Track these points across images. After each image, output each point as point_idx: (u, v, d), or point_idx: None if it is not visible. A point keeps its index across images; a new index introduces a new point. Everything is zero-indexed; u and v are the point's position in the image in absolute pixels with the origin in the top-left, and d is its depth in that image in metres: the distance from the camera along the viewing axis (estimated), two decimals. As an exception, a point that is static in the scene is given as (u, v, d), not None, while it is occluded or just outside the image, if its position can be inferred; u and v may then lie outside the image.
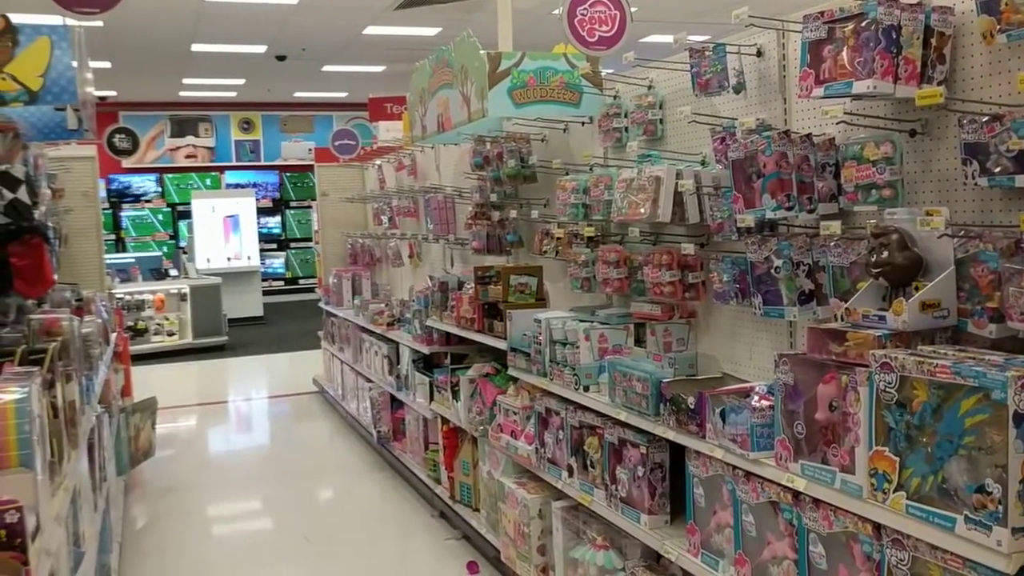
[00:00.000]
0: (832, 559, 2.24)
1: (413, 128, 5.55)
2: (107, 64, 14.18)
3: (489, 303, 4.56)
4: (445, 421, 5.18)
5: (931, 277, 2.21)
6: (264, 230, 18.89)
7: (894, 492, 2.02)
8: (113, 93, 17.31)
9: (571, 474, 3.57)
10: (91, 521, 3.36)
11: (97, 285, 6.26)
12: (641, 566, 3.15)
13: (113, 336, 5.79)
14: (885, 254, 2.25)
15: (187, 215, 17.49)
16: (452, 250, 6.09)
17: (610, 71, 4.12)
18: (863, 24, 2.27)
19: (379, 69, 15.68)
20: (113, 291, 7.80)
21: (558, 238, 4.14)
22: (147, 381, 8.77)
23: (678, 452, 2.96)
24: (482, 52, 4.10)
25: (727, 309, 3.20)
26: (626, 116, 3.74)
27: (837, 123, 2.49)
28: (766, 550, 2.48)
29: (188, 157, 19.58)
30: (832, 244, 2.53)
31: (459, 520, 4.99)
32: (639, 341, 3.52)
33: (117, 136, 13.84)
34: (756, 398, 2.52)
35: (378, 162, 8.06)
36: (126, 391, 6.73)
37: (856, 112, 2.49)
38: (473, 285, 4.69)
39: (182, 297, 12.64)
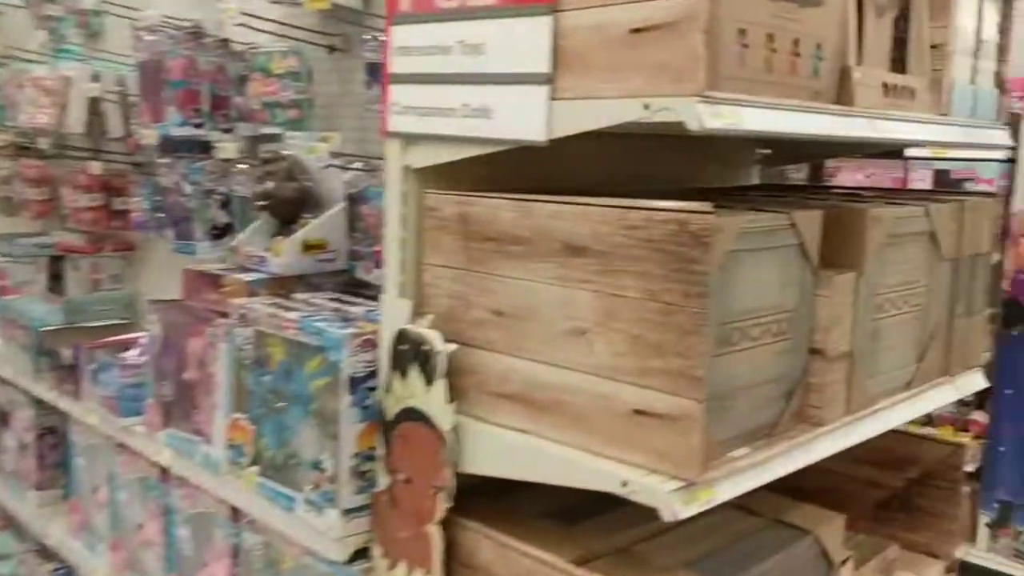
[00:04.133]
0: (198, 543, 1.90)
1: None
2: None
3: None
4: None
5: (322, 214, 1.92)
6: None
7: (249, 467, 1.71)
8: None
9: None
10: None
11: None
12: (33, 551, 2.62)
13: None
14: (270, 184, 1.92)
15: None
16: None
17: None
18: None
19: None
20: None
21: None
22: None
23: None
24: None
25: (159, 242, 2.72)
26: (59, 3, 3.07)
27: (236, 24, 2.10)
28: (140, 533, 2.08)
29: None
30: (236, 171, 2.16)
31: None
32: (59, 277, 2.92)
33: None
34: (137, 352, 2.09)
35: None
36: None
37: (265, 18, 2.11)
38: None
39: None
